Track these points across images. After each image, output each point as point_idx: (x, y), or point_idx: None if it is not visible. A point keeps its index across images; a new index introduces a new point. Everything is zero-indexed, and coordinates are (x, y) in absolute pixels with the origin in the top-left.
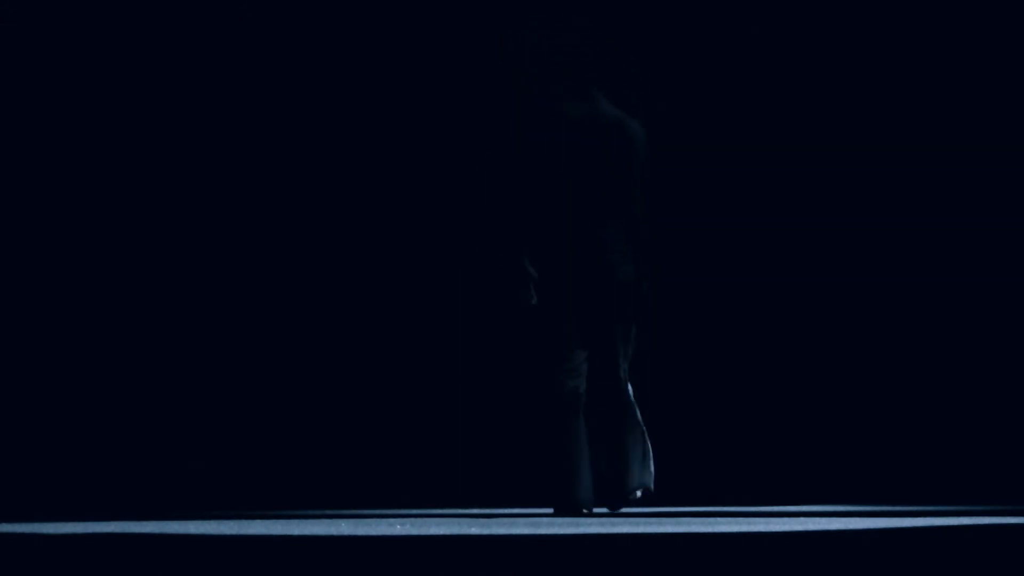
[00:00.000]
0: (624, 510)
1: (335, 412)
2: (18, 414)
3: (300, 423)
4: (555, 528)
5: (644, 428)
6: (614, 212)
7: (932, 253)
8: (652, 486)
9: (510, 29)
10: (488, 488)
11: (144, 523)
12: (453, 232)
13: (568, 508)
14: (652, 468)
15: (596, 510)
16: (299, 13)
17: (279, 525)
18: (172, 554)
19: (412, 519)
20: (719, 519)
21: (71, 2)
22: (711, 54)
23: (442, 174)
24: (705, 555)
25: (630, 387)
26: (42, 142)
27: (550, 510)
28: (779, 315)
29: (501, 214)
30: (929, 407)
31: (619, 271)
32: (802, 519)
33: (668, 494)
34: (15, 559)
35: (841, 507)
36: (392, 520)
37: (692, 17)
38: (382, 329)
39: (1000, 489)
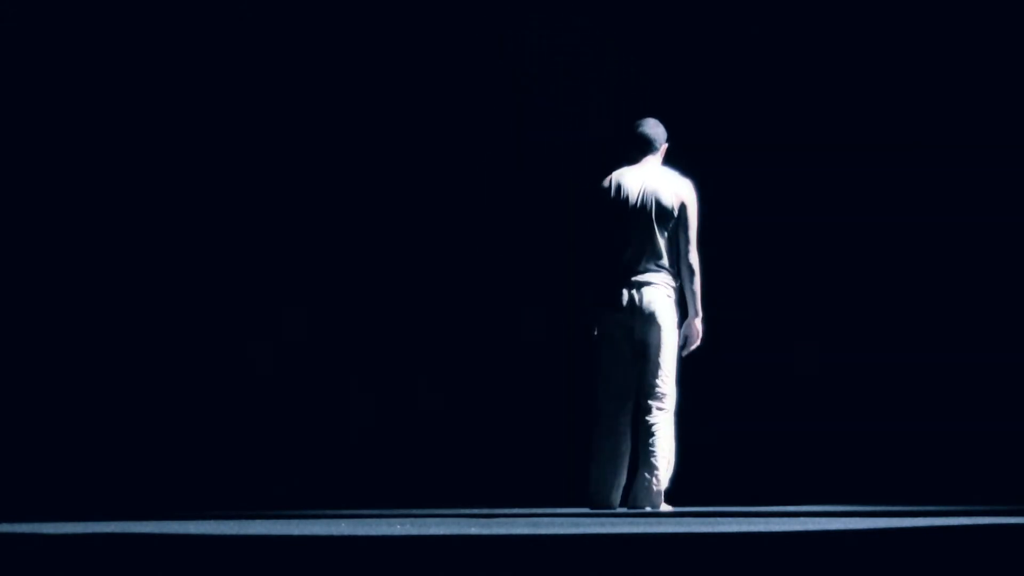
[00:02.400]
0: (623, 510)
1: (336, 412)
2: (18, 414)
3: (301, 423)
4: (555, 528)
5: (657, 451)
6: (660, 259)
7: (932, 252)
8: (657, 506)
9: (510, 29)
10: (488, 488)
11: (144, 523)
12: (453, 233)
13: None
14: (655, 489)
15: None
16: (302, 15)
17: (279, 525)
18: (172, 554)
19: (412, 519)
20: (719, 519)
21: (71, 2)
22: (710, 54)
23: (442, 175)
24: (705, 555)
25: (662, 406)
26: (42, 143)
27: (550, 510)
28: (778, 317)
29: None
30: (929, 408)
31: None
32: (802, 519)
33: (669, 494)
34: (15, 559)
35: (841, 507)
36: (392, 520)
37: (691, 17)
38: (382, 330)
39: (1000, 489)
